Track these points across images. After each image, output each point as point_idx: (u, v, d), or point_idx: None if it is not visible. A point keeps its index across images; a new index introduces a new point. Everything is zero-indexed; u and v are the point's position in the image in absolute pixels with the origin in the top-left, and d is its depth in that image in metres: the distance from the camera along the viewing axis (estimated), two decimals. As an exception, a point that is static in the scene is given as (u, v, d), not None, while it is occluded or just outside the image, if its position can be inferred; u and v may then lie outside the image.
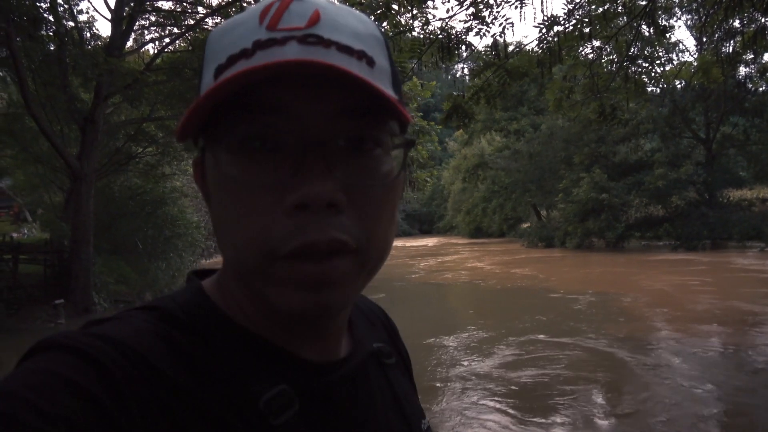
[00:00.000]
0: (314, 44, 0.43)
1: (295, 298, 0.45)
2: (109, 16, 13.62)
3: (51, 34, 12.16)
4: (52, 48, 12.56)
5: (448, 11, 6.03)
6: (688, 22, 25.42)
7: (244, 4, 12.96)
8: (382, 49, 0.49)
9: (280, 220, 0.43)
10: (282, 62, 0.40)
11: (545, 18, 6.08)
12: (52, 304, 12.01)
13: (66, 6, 13.07)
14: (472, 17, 5.95)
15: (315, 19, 0.45)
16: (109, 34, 13.74)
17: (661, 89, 23.30)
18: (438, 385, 6.53)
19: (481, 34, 6.02)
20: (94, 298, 13.01)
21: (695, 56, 23.39)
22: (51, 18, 11.82)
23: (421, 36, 6.21)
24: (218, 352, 0.48)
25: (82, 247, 12.89)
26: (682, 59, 23.13)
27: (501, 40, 6.25)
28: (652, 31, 7.07)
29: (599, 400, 5.80)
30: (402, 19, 6.25)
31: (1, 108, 18.95)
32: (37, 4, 11.09)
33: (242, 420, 0.46)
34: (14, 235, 20.48)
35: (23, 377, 0.40)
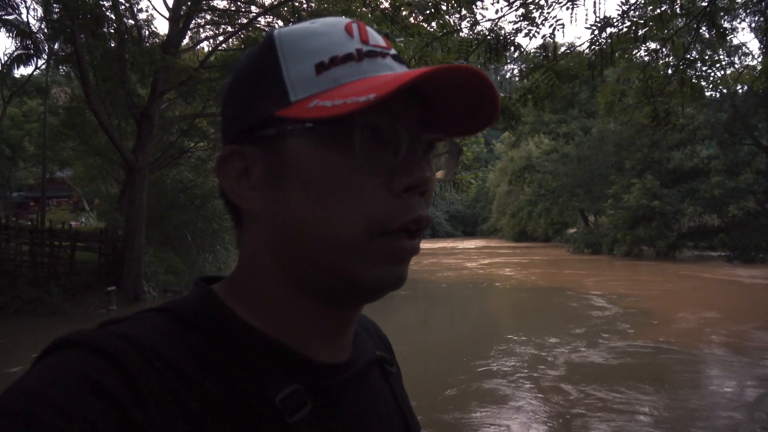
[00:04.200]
0: (402, 63, 0.54)
1: (387, 270, 0.51)
2: (167, 14, 14.11)
3: (112, 31, 12.68)
4: (112, 45, 13.09)
5: (497, 12, 5.96)
6: (752, 24, 24.27)
7: (296, 4, 13.19)
8: None
9: (388, 199, 0.49)
10: (464, 68, 0.48)
11: (598, 19, 5.93)
12: (104, 290, 12.53)
13: (127, 4, 13.61)
14: (521, 18, 5.85)
15: (389, 43, 0.55)
16: (167, 32, 14.23)
17: (721, 94, 22.34)
18: (476, 379, 6.49)
19: (531, 35, 5.92)
20: (144, 286, 13.49)
21: (759, 60, 22.30)
22: (112, 16, 12.32)
23: (470, 37, 6.16)
24: (232, 352, 0.49)
25: (135, 237, 13.39)
26: (745, 63, 22.12)
27: (551, 41, 6.13)
28: (712, 33, 6.80)
29: (644, 408, 5.64)
30: (450, 20, 6.22)
31: (65, 102, 19.91)
32: (100, 2, 11.57)
33: (260, 418, 0.47)
34: (73, 223, 21.49)
35: (45, 376, 0.40)
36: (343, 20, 0.54)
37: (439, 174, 0.58)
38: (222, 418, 0.45)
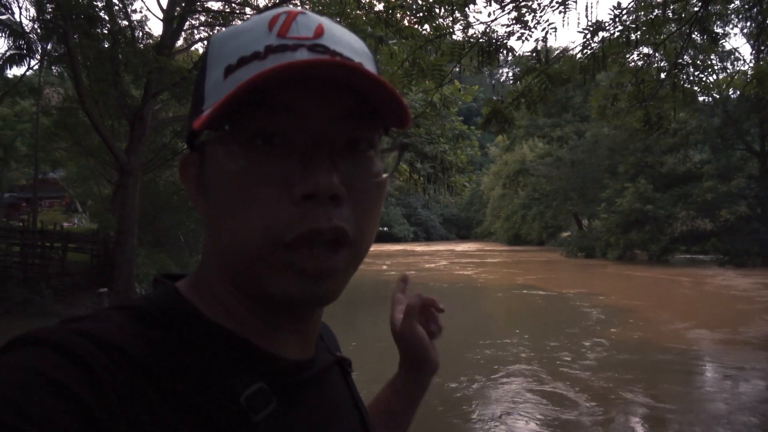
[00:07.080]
0: (322, 53, 0.48)
1: (295, 286, 0.47)
2: (161, 15, 14.04)
3: (105, 32, 12.60)
4: (106, 46, 13.02)
5: (490, 15, 5.98)
6: (744, 30, 24.48)
7: (290, 7, 13.17)
8: (373, 65, 0.54)
9: (287, 208, 0.46)
10: (319, 61, 0.43)
11: (590, 23, 5.95)
12: (96, 292, 12.42)
13: (120, 5, 13.55)
14: (514, 21, 5.87)
15: (320, 31, 0.49)
16: (160, 33, 14.16)
17: (713, 99, 22.49)
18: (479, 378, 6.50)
19: (523, 38, 5.94)
20: (136, 288, 13.40)
21: (751, 65, 22.48)
22: (106, 17, 12.25)
23: (463, 39, 6.16)
24: (196, 349, 0.48)
25: (127, 238, 13.30)
26: (737, 68, 22.27)
27: (543, 45, 6.15)
28: (704, 38, 6.84)
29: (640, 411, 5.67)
30: (444, 23, 6.23)
31: (58, 102, 19.81)
32: (94, 2, 11.51)
33: (225, 415, 0.46)
34: (65, 224, 21.35)
35: (4, 375, 0.39)
36: (275, 12, 0.51)
37: (383, 174, 0.53)
38: (188, 416, 0.44)
